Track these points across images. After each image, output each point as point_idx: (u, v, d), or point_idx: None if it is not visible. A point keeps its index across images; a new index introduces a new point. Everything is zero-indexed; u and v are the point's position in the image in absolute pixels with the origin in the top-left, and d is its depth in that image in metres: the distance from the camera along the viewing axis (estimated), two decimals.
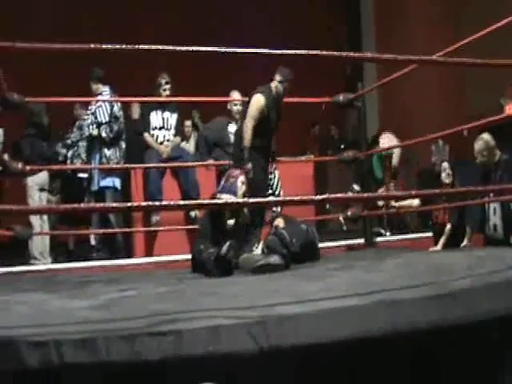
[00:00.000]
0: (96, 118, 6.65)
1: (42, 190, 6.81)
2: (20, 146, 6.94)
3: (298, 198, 4.81)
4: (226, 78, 7.60)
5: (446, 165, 6.14)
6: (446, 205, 5.72)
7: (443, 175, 6.06)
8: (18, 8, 9.50)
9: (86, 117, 6.92)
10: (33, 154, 6.72)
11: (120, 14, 10.30)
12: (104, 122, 6.65)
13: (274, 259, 4.07)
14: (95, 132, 6.67)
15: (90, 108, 6.84)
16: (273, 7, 11.39)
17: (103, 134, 6.63)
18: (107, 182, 6.65)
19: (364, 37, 12.81)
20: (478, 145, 5.36)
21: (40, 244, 6.53)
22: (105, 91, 6.74)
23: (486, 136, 5.35)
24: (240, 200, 4.50)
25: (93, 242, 7.00)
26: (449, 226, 5.87)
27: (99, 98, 6.69)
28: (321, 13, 12.24)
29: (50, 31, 9.07)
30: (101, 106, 6.68)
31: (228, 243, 4.18)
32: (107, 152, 6.66)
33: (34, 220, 6.53)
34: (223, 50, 2.91)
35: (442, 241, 5.86)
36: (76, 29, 9.27)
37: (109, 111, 6.69)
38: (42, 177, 6.78)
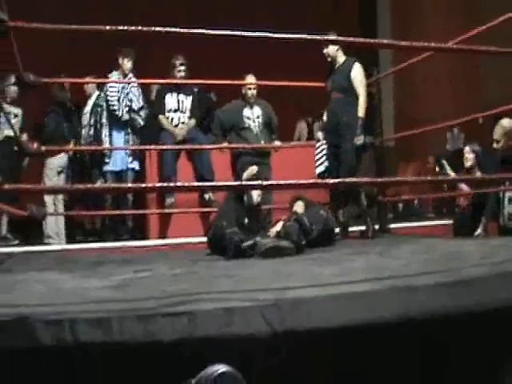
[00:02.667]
0: (131, 101, 6.65)
1: (60, 172, 6.82)
2: (44, 123, 6.96)
3: (312, 181, 4.84)
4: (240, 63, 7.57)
5: (467, 149, 6.01)
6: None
7: (464, 159, 5.97)
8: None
9: (112, 97, 6.78)
10: (55, 131, 6.76)
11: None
12: (137, 108, 6.69)
13: (283, 243, 4.06)
14: (126, 116, 6.66)
15: (111, 89, 6.77)
16: None
17: (141, 122, 6.71)
18: (134, 164, 6.71)
19: (379, 21, 12.73)
20: (496, 130, 5.24)
21: (54, 224, 6.56)
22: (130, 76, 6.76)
23: (504, 121, 5.23)
24: (254, 183, 4.49)
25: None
26: None
27: (126, 80, 6.70)
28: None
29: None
30: (131, 91, 6.67)
31: (253, 241, 4.15)
32: (132, 135, 6.73)
33: (48, 200, 6.57)
34: (233, 33, 2.90)
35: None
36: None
37: (141, 97, 6.75)
38: (62, 160, 6.80)
